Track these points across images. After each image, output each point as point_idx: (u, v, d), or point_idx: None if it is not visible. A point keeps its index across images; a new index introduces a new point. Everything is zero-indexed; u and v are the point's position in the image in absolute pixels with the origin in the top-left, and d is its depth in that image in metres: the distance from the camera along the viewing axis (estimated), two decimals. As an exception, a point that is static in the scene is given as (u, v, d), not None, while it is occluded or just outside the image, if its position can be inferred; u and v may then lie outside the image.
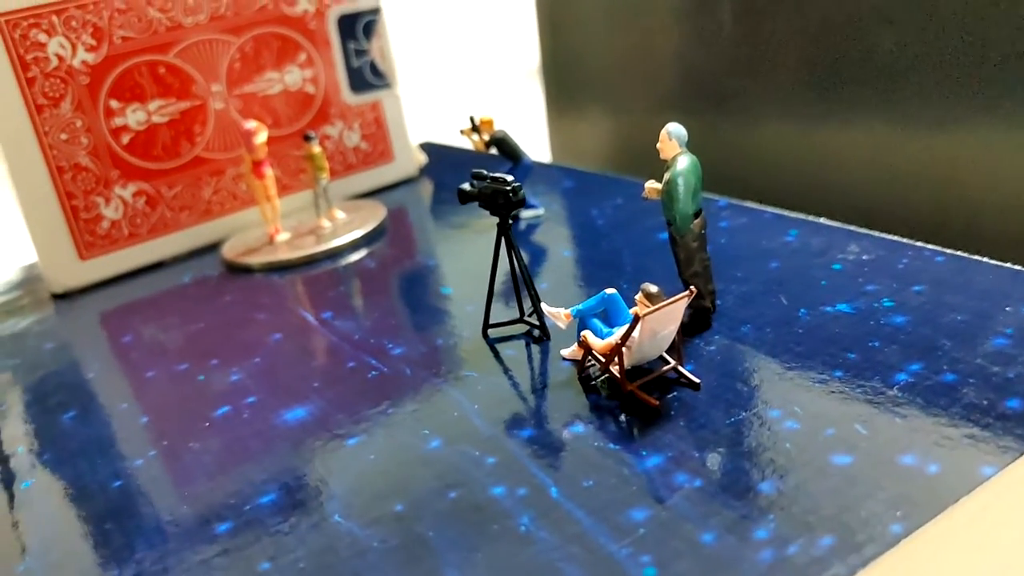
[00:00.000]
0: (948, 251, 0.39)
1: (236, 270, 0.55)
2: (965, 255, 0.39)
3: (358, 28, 0.63)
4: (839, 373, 0.32)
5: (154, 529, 0.31)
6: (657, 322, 0.31)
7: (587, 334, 0.33)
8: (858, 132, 0.51)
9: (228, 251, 0.57)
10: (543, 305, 0.36)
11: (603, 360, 0.33)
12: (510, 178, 0.37)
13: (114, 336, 0.48)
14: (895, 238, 0.42)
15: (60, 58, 0.53)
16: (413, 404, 0.35)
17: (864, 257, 0.41)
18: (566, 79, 0.77)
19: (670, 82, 0.65)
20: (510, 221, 0.38)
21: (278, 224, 0.57)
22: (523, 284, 0.39)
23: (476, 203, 0.39)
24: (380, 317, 0.44)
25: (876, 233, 0.43)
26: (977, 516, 0.25)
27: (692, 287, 0.32)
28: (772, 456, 0.28)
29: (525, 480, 0.29)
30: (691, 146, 0.35)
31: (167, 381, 0.41)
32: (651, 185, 0.37)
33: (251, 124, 0.54)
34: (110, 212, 0.56)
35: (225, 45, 0.58)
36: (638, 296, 0.31)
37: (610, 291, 0.34)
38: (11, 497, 0.35)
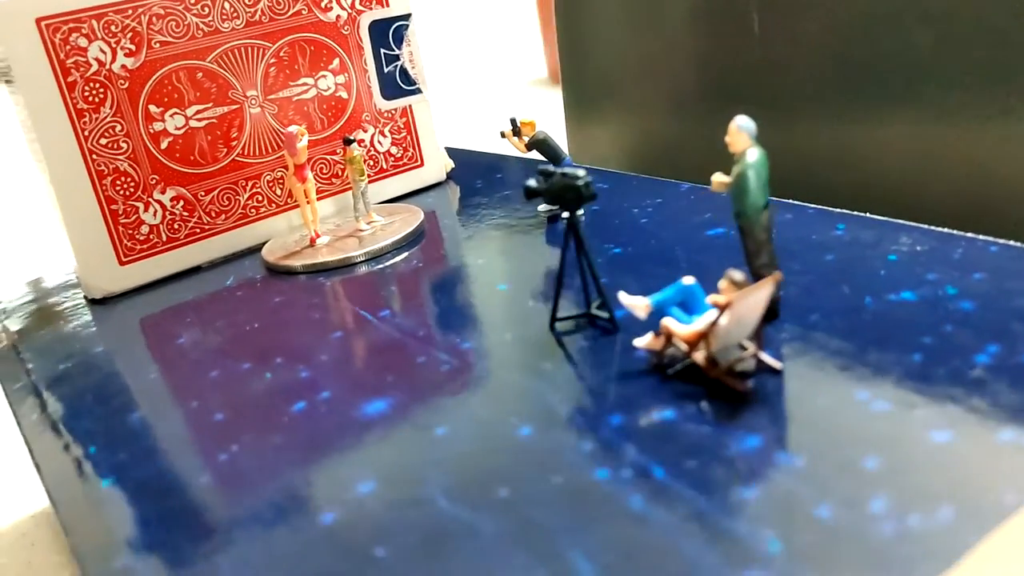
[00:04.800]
0: (1001, 241, 0.41)
1: (279, 273, 0.55)
2: (1018, 244, 0.40)
3: (389, 34, 0.63)
4: (918, 356, 0.33)
5: (253, 520, 0.31)
6: (744, 308, 0.32)
7: (669, 321, 0.34)
8: (892, 128, 0.53)
9: (268, 254, 0.57)
10: (621, 295, 0.37)
11: (687, 347, 0.33)
12: (582, 172, 0.38)
13: (167, 338, 0.48)
14: (945, 230, 0.43)
15: (100, 62, 0.53)
16: (495, 395, 0.36)
17: (918, 248, 0.42)
18: (585, 83, 0.78)
19: (691, 83, 0.66)
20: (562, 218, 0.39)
21: (317, 227, 0.57)
22: (590, 278, 0.40)
23: (538, 199, 0.39)
24: (441, 314, 0.45)
25: (924, 226, 0.44)
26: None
27: (778, 273, 0.33)
28: (869, 435, 0.29)
29: (626, 463, 0.30)
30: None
31: (233, 380, 0.42)
32: (718, 179, 0.37)
33: (293, 128, 0.55)
34: (149, 217, 0.56)
35: (261, 50, 0.59)
36: (723, 283, 0.32)
37: (688, 280, 0.35)
38: (93, 495, 0.35)
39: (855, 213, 0.47)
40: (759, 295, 0.32)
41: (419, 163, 0.67)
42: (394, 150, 0.66)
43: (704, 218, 0.50)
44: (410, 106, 0.66)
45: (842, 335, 0.35)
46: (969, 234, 0.42)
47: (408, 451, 0.33)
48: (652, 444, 0.30)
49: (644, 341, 0.37)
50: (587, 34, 0.75)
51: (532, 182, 0.39)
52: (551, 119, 0.84)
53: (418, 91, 0.65)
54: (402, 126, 0.66)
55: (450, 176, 0.70)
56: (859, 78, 0.53)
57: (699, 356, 0.33)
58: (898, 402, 0.30)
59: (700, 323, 0.33)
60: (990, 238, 0.41)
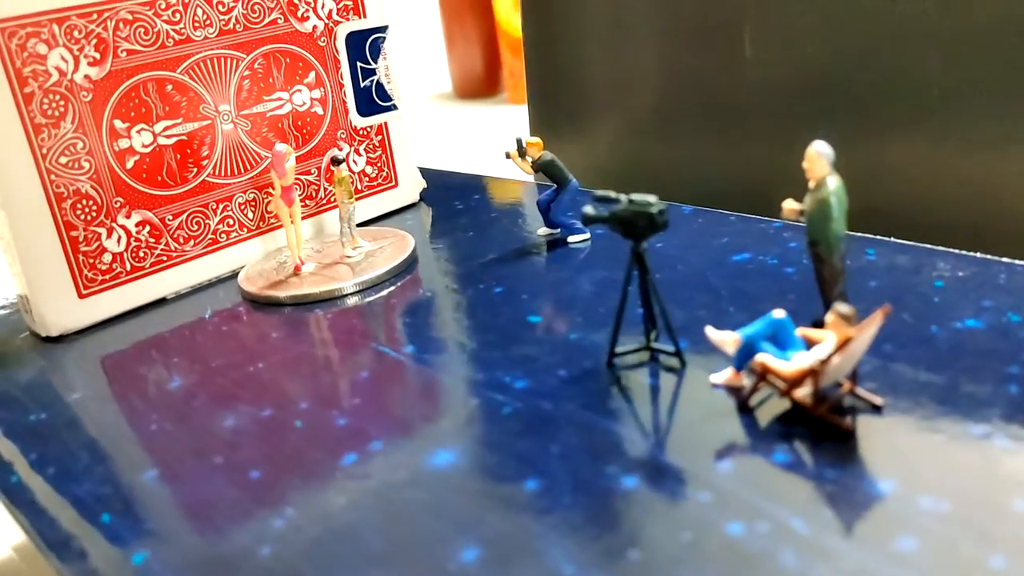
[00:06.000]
0: (1042, 266, 0.41)
1: (259, 304, 0.51)
2: (1057, 270, 0.41)
3: (366, 46, 0.60)
4: (1014, 388, 0.32)
5: (343, 598, 0.27)
6: (859, 344, 0.30)
7: (766, 358, 0.32)
8: (900, 152, 0.53)
9: (247, 283, 0.52)
10: (709, 330, 0.35)
11: (785, 385, 0.32)
12: (653, 199, 0.36)
13: (154, 381, 0.43)
14: (979, 255, 0.43)
15: (61, 72, 0.48)
16: (577, 440, 0.33)
17: (960, 274, 0.42)
18: (556, 100, 0.76)
19: (677, 104, 0.66)
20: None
21: (301, 252, 0.53)
22: (645, 310, 0.38)
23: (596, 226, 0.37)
24: (477, 349, 0.41)
25: (956, 251, 0.44)
26: None
27: (887, 305, 0.32)
28: (1006, 474, 0.28)
29: (759, 514, 0.28)
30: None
31: (256, 429, 0.37)
32: (790, 205, 0.36)
33: (282, 147, 0.50)
34: (112, 244, 0.51)
35: (235, 62, 0.54)
36: (830, 318, 0.31)
37: (779, 314, 0.33)
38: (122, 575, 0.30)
39: (879, 238, 0.47)
40: (871, 330, 0.31)
41: (393, 183, 0.63)
42: (369, 170, 0.62)
43: (723, 242, 0.49)
44: (385, 123, 0.62)
45: (926, 366, 0.34)
46: (1005, 259, 0.42)
47: (503, 509, 0.30)
48: (777, 492, 0.29)
49: (723, 377, 0.35)
50: (561, 48, 0.73)
51: (590, 209, 0.37)
52: (459, 134, 0.82)
53: (394, 107, 0.62)
54: (377, 144, 0.62)
55: (422, 197, 0.66)
56: (864, 102, 0.53)
57: (801, 394, 0.32)
58: (1018, 438, 0.29)
59: (805, 359, 0.31)
60: (1028, 263, 0.42)
